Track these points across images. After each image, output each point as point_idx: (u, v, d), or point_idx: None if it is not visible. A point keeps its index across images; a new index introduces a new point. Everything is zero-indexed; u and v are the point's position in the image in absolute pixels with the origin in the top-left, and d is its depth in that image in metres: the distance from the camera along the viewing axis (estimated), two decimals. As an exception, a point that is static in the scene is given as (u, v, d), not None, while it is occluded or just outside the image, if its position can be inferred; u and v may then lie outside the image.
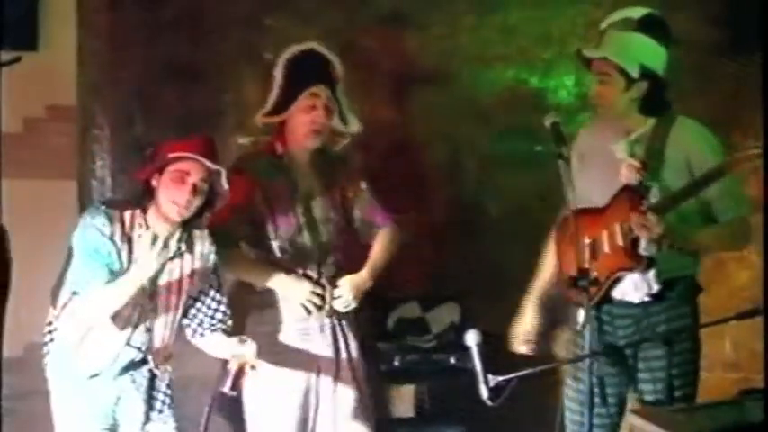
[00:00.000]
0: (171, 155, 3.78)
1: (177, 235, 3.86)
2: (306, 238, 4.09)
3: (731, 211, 3.89)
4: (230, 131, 5.15)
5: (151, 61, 4.98)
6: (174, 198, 3.77)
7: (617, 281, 3.86)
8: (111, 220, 3.80)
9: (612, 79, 3.86)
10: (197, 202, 3.80)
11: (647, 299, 3.88)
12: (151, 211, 3.84)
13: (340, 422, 4.12)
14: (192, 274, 3.93)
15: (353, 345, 4.19)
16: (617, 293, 3.87)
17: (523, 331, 4.12)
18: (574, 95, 5.11)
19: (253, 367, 3.80)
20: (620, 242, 3.81)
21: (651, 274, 3.85)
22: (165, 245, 3.78)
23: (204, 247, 3.95)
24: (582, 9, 4.96)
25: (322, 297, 4.10)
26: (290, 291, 4.09)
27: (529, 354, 4.08)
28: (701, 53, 4.98)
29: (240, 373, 3.79)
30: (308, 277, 4.09)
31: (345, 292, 4.12)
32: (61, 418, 4.01)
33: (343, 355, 4.15)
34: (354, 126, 4.18)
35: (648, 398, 3.88)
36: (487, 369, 4.04)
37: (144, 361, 3.95)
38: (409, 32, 5.16)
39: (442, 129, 5.19)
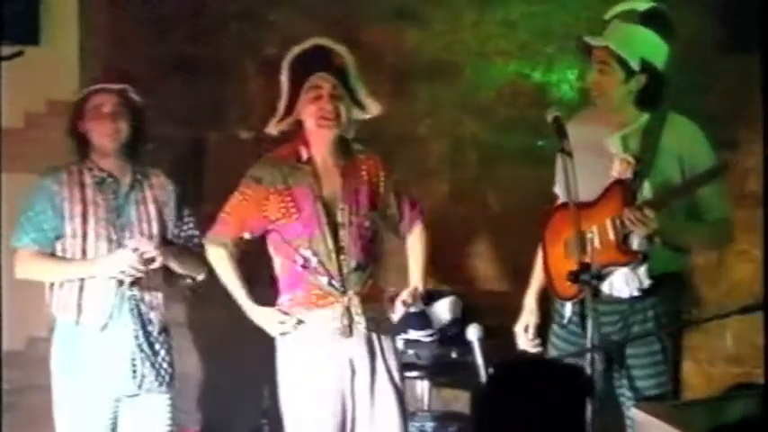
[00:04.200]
0: (83, 91, 4.14)
1: (129, 167, 4.14)
2: (329, 246, 4.00)
3: (716, 210, 3.90)
4: (232, 126, 5.16)
5: (152, 56, 4.98)
6: (101, 132, 4.09)
7: (607, 275, 3.85)
8: (58, 175, 4.09)
9: (612, 69, 3.87)
10: (123, 126, 4.10)
11: (636, 294, 3.88)
12: (93, 153, 4.12)
13: (378, 422, 4.05)
14: (156, 201, 4.17)
15: (387, 344, 4.11)
16: (605, 288, 3.86)
17: (524, 328, 4.11)
18: (576, 90, 5.09)
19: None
20: (611, 237, 3.81)
21: (643, 269, 3.85)
22: (117, 182, 4.10)
23: (160, 178, 4.22)
24: (584, 3, 4.95)
25: (348, 311, 4.01)
26: (264, 324, 4.08)
27: (531, 348, 4.08)
28: (702, 49, 4.98)
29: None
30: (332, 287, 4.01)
31: (406, 306, 4.13)
32: (62, 409, 4.08)
33: (378, 354, 4.07)
34: (374, 108, 4.10)
35: (648, 393, 3.87)
36: (488, 363, 4.06)
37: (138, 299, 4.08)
38: (411, 27, 5.15)
39: (444, 123, 5.18)
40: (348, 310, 4.01)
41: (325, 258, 3.99)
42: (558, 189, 4.11)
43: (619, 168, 3.86)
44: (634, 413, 3.59)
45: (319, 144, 4.06)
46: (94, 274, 4.02)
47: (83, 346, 4.03)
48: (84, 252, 4.04)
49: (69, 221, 4.04)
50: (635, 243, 3.83)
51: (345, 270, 4.01)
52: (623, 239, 3.80)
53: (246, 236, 4.08)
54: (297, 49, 4.04)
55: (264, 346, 4.77)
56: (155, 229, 4.13)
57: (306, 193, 4.02)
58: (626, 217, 3.76)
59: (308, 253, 3.99)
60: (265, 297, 4.09)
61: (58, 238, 4.05)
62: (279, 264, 4.09)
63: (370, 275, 4.09)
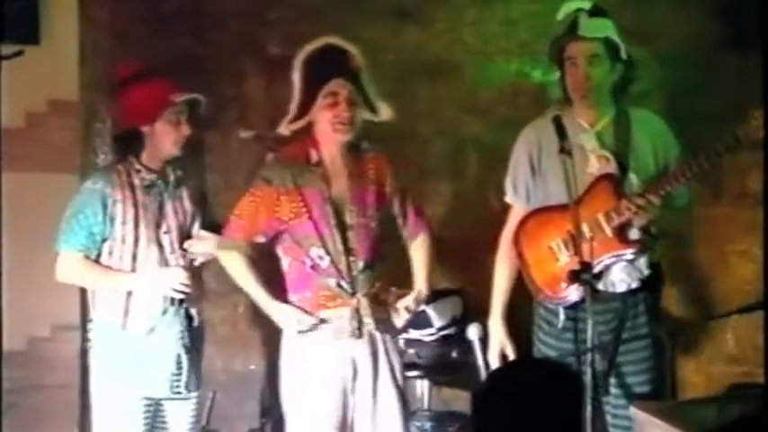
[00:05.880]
0: (172, 98, 4.05)
1: (170, 166, 4.15)
2: (338, 247, 3.99)
3: (684, 197, 3.95)
4: (232, 125, 5.15)
5: (153, 55, 4.97)
6: (174, 139, 4.07)
7: (605, 272, 3.86)
8: (109, 177, 4.06)
9: (602, 60, 3.91)
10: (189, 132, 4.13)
11: (635, 285, 3.90)
12: (144, 155, 4.10)
13: (379, 422, 4.04)
14: (191, 198, 4.19)
15: (390, 344, 4.10)
16: (602, 286, 3.86)
17: (501, 355, 4.09)
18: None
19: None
20: (608, 231, 3.83)
21: (643, 259, 3.89)
22: (165, 183, 4.11)
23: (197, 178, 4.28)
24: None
25: (357, 312, 4.00)
26: (282, 321, 4.05)
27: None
28: (703, 48, 4.98)
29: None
30: (340, 287, 4.00)
31: (410, 311, 4.10)
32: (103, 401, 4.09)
33: (382, 354, 4.07)
34: (385, 113, 4.06)
35: (638, 389, 3.89)
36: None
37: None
38: (411, 26, 5.15)
39: (445, 123, 5.18)
40: (357, 311, 4.01)
41: (336, 259, 3.98)
42: (515, 197, 4.12)
43: (597, 165, 3.89)
44: (634, 413, 3.59)
45: (330, 147, 4.05)
46: (141, 287, 4.01)
47: (127, 350, 4.03)
48: (134, 257, 4.03)
49: (121, 226, 4.02)
50: (632, 234, 3.85)
51: (354, 271, 4.00)
52: (620, 231, 3.83)
53: (260, 239, 4.04)
54: (309, 49, 3.98)
55: (264, 346, 4.78)
56: (188, 223, 4.15)
57: (315, 195, 4.01)
58: (625, 207, 3.78)
59: (321, 252, 3.98)
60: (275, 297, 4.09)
61: (105, 240, 4.03)
62: (287, 264, 4.07)
63: (378, 276, 4.08)
